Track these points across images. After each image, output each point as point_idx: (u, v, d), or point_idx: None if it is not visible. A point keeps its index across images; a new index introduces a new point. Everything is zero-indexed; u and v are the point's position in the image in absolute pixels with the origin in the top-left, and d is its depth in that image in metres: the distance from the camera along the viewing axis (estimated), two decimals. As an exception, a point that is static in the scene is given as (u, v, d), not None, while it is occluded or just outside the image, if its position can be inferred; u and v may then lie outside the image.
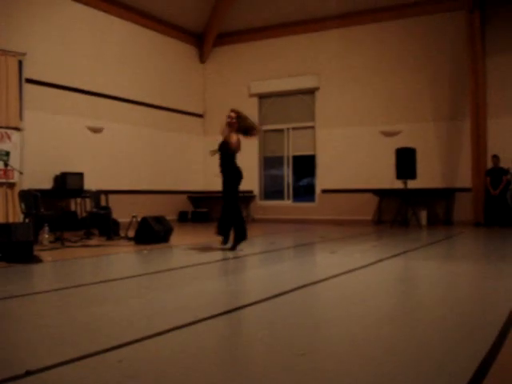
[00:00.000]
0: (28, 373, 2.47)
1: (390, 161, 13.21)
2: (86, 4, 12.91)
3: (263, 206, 16.05)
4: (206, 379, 2.46)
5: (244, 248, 7.93)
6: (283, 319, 3.64)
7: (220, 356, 2.86)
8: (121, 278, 5.51)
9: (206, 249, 8.10)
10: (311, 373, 2.53)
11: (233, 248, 7.82)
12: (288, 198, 16.01)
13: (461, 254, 8.11)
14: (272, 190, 16.39)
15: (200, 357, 2.82)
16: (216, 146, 8.17)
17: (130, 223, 10.02)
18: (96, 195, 11.21)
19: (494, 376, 2.45)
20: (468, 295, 4.58)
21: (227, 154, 7.99)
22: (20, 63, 11.10)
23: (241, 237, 7.91)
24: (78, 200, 12.24)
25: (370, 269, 6.02)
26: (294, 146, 15.95)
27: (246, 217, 15.77)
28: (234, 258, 7.22)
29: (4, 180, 10.36)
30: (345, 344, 3.04)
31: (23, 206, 9.49)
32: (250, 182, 16.03)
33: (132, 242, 9.03)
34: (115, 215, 10.62)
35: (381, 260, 6.64)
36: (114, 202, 11.88)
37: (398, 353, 2.85)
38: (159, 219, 9.21)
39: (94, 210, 10.72)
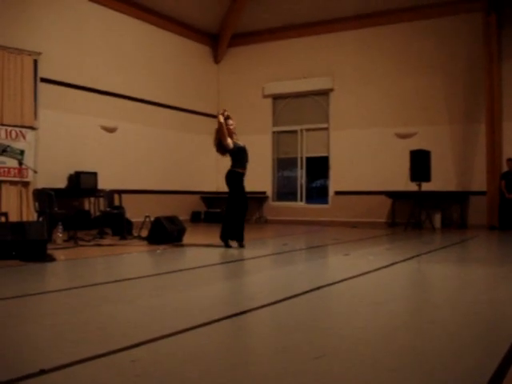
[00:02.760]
0: (42, 371, 2.47)
1: (405, 163, 13.13)
2: (101, 4, 12.96)
3: (276, 207, 16.03)
4: (220, 381, 2.44)
5: (255, 249, 7.95)
6: (297, 321, 3.62)
7: (234, 358, 2.84)
8: (134, 278, 5.51)
9: (218, 249, 8.09)
10: (327, 376, 2.50)
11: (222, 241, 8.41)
12: (301, 199, 15.98)
13: (475, 258, 8.05)
14: (285, 192, 16.37)
15: (213, 358, 2.81)
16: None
17: (143, 223, 10.04)
18: (109, 195, 11.23)
19: (510, 382, 2.42)
20: (482, 300, 4.54)
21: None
22: (35, 62, 11.16)
23: (224, 234, 8.38)
24: (92, 199, 12.29)
25: (384, 272, 5.98)
26: (307, 148, 15.91)
27: (258, 218, 15.85)
28: (247, 259, 7.21)
29: (18, 179, 10.41)
30: (359, 347, 3.01)
31: (37, 204, 9.53)
32: (263, 183, 16.04)
33: (145, 242, 9.04)
34: (128, 215, 10.65)
35: (394, 263, 6.60)
36: (127, 201, 11.90)
37: (411, 357, 2.83)
38: (172, 219, 9.22)
39: (108, 209, 10.75)
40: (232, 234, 8.33)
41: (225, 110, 8.61)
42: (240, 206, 8.30)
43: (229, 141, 8.29)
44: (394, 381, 2.44)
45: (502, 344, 2.96)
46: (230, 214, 8.38)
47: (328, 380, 2.45)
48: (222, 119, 8.33)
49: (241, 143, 8.52)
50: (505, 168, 12.90)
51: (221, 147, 8.45)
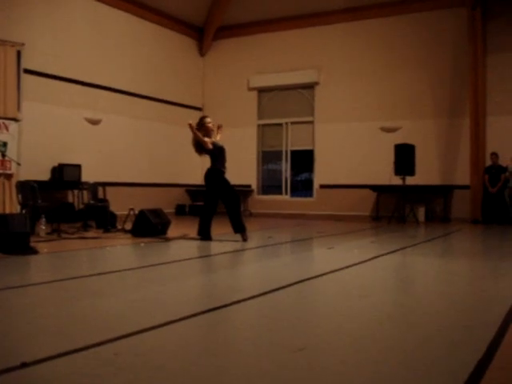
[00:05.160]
0: (23, 365, 2.44)
1: (389, 157, 13.18)
2: (86, -5, 12.87)
3: (261, 201, 16.03)
4: (203, 374, 2.43)
5: (240, 242, 7.98)
6: (280, 314, 3.62)
7: (217, 350, 2.83)
8: (117, 271, 5.48)
9: (203, 242, 8.07)
10: (309, 368, 2.50)
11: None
12: (286, 192, 15.99)
13: (458, 251, 8.10)
14: (270, 185, 16.37)
15: (197, 351, 2.80)
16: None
17: (128, 216, 9.99)
18: (93, 187, 11.16)
19: (492, 374, 2.43)
20: (466, 292, 4.57)
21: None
22: (18, 54, 11.06)
23: (201, 230, 8.35)
24: (76, 192, 12.21)
25: (368, 264, 6.00)
26: (292, 141, 15.92)
27: (243, 211, 15.81)
28: (232, 252, 7.21)
29: (1, 171, 10.32)
30: (343, 339, 3.02)
31: (20, 197, 9.45)
32: (248, 176, 16.04)
33: (129, 235, 8.99)
34: (112, 207, 10.60)
35: (379, 256, 6.62)
36: (111, 194, 11.84)
37: (395, 349, 2.83)
38: (157, 212, 9.18)
39: (92, 202, 10.68)
40: (235, 227, 8.29)
41: (220, 126, 8.64)
42: (230, 201, 8.27)
43: (208, 143, 8.22)
44: (377, 373, 2.45)
45: (485, 338, 2.98)
46: (207, 209, 8.38)
47: (311, 372, 2.45)
48: (193, 126, 8.25)
49: (220, 143, 8.48)
50: (488, 162, 12.98)
51: (198, 147, 8.39)
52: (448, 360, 2.64)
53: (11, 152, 10.37)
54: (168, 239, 8.54)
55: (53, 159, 11.79)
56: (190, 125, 8.23)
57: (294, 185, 16.29)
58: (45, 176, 11.67)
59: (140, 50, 14.54)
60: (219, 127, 8.70)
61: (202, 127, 8.40)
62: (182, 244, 8.08)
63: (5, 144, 10.35)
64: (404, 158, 12.82)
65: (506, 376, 2.48)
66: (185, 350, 2.81)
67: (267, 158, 16.56)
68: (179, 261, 6.32)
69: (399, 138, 13.65)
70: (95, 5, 13.13)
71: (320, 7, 15.09)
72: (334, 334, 3.15)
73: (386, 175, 13.47)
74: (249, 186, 16.03)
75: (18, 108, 11.02)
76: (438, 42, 13.84)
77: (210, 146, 8.24)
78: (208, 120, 8.45)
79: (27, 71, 11.36)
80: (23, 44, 11.07)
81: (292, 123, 15.90)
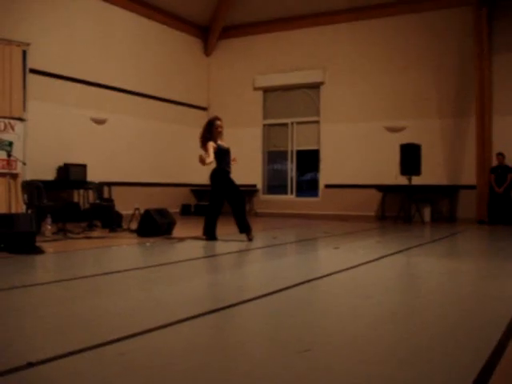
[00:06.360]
0: (30, 364, 2.44)
1: (395, 157, 13.15)
2: (92, -5, 12.89)
3: (266, 200, 16.02)
4: (208, 374, 2.43)
5: (245, 242, 7.97)
6: (286, 315, 3.61)
7: (222, 351, 2.83)
8: (123, 271, 5.49)
9: (208, 242, 8.07)
10: (314, 370, 2.49)
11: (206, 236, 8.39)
12: (291, 192, 15.98)
13: (464, 252, 8.08)
14: (275, 185, 16.36)
15: (202, 351, 2.79)
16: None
17: (133, 215, 10.00)
18: (99, 187, 11.18)
19: (498, 378, 2.41)
20: (471, 293, 4.55)
21: None
22: (24, 53, 11.05)
23: (207, 230, 8.39)
24: (81, 191, 12.24)
25: (374, 265, 5.98)
26: (298, 141, 15.90)
27: (248, 211, 15.79)
28: (237, 252, 7.21)
29: (7, 170, 10.33)
30: (348, 340, 3.01)
31: (26, 196, 9.46)
32: (254, 176, 16.03)
33: (134, 235, 9.00)
34: (118, 207, 10.61)
35: (384, 256, 6.61)
36: (116, 194, 11.85)
37: (400, 350, 2.82)
38: (162, 212, 9.19)
39: (97, 201, 10.69)
40: (241, 227, 8.31)
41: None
42: (235, 201, 8.31)
43: (211, 156, 8.12)
44: (381, 374, 2.44)
45: (491, 339, 2.96)
46: (212, 210, 8.40)
47: (315, 374, 2.44)
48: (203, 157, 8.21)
49: (225, 145, 8.48)
50: (495, 162, 12.94)
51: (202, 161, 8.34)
52: (454, 361, 2.63)
53: (17, 152, 10.38)
54: (173, 239, 8.54)
55: (58, 159, 11.81)
56: (201, 159, 8.18)
57: (299, 185, 16.28)
58: (50, 176, 11.69)
59: (145, 50, 14.55)
60: (233, 160, 8.61)
61: (211, 129, 8.38)
62: (187, 244, 8.08)
63: (10, 144, 10.36)
64: (410, 157, 12.79)
65: (513, 378, 2.46)
66: (190, 350, 2.80)
67: (272, 157, 16.55)
68: (184, 261, 6.31)
69: (405, 137, 13.61)
70: (101, 4, 13.14)
71: (325, 7, 15.07)
72: (339, 334, 3.14)
73: (391, 175, 13.44)
74: (254, 186, 16.02)
75: (24, 108, 11.02)
76: (443, 42, 13.80)
77: (209, 161, 8.12)
78: (218, 123, 8.41)
79: (33, 71, 11.37)
80: (29, 44, 11.08)
81: (297, 123, 15.88)
